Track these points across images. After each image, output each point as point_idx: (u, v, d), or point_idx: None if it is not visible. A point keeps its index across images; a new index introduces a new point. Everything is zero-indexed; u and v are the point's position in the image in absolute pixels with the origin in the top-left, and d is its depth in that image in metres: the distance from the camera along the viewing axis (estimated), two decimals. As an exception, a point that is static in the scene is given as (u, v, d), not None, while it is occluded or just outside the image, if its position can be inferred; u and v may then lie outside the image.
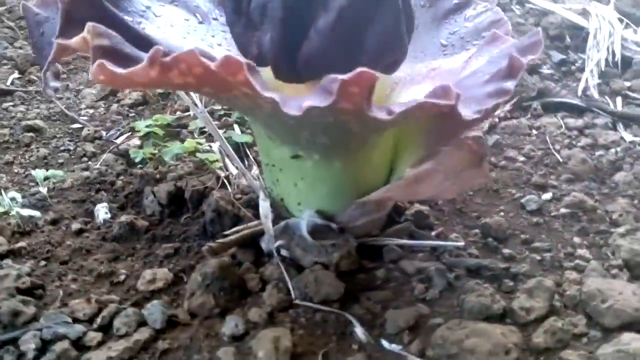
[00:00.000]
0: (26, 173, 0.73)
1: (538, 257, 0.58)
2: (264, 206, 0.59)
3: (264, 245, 0.58)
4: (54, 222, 0.63)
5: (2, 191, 0.63)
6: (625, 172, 0.73)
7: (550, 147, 0.77)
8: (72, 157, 0.76)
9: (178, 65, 0.39)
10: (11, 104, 0.90)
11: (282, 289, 0.53)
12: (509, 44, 0.52)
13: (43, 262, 0.56)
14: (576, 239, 0.61)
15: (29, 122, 0.83)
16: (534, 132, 0.82)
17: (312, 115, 0.38)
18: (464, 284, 0.54)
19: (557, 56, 1.01)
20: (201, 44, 0.58)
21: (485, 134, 0.80)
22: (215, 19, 0.63)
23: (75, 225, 0.62)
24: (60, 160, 0.76)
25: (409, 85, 0.61)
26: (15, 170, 0.74)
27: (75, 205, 0.65)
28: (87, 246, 0.59)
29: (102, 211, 0.64)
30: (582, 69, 0.97)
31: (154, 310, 0.50)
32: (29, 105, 0.91)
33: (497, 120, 0.83)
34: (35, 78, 0.99)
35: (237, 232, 0.59)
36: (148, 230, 0.62)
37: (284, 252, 0.57)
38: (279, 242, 0.57)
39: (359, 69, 0.36)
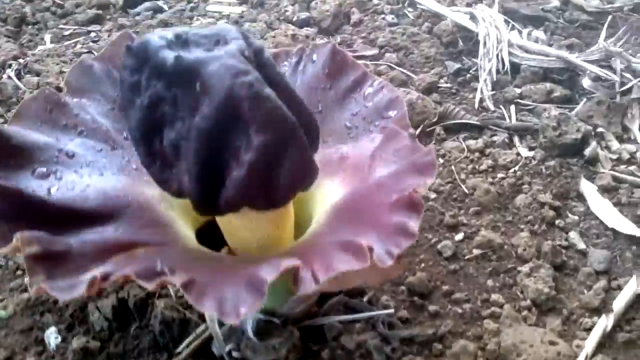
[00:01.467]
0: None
1: (459, 310, 0.66)
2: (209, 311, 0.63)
3: (215, 350, 0.62)
4: (7, 359, 0.64)
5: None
6: (525, 193, 0.81)
7: (457, 177, 0.84)
8: (7, 272, 0.76)
9: (115, 280, 0.42)
10: None
11: (239, 397, 0.58)
12: (406, 149, 0.57)
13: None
14: (489, 282, 0.69)
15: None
16: (440, 160, 0.88)
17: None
18: (400, 356, 0.61)
19: (453, 66, 1.07)
20: (120, 180, 0.59)
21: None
22: (127, 139, 0.64)
23: (31, 359, 0.64)
24: (-6, 277, 0.76)
25: (322, 177, 0.65)
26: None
27: (24, 336, 0.67)
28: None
29: (52, 337, 0.66)
30: (477, 77, 1.04)
31: None
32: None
33: (406, 155, 0.89)
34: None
35: (188, 344, 0.63)
36: (102, 350, 0.65)
37: (235, 354, 0.62)
38: (228, 346, 0.62)
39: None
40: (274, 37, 1.14)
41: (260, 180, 0.51)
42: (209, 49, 0.51)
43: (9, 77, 1.12)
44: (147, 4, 1.33)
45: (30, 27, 1.32)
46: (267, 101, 0.48)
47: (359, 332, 0.64)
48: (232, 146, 0.50)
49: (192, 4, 1.35)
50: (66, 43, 1.23)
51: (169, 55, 0.49)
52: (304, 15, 1.24)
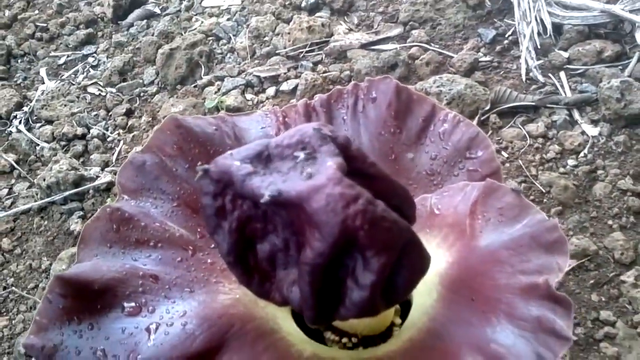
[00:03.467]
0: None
1: (574, 338, 0.64)
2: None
3: None
4: None
5: None
6: (602, 181, 0.77)
7: (528, 174, 0.80)
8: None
9: None
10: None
11: None
12: (512, 208, 0.52)
13: None
14: (594, 297, 0.67)
15: None
16: (504, 154, 0.83)
17: None
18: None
19: (487, 34, 0.99)
20: (212, 292, 0.55)
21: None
22: (201, 237, 0.60)
23: None
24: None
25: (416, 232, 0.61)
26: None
27: None
28: None
29: None
30: (516, 43, 0.97)
31: None
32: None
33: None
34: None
35: None
36: None
37: None
38: None
39: None
40: (289, 33, 1.06)
41: (381, 293, 0.47)
42: (297, 161, 0.46)
43: (19, 130, 1.05)
44: (137, 12, 1.23)
45: (19, 60, 1.22)
46: (382, 222, 0.43)
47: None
48: (347, 265, 0.46)
49: (185, 2, 1.24)
50: (65, 75, 1.14)
51: (263, 189, 0.44)
52: (310, -3, 1.15)
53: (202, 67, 1.06)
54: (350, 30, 1.08)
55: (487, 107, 0.88)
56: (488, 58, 0.97)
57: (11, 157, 1.01)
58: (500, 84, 0.92)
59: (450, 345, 0.49)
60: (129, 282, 0.54)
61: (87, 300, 0.51)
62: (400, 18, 1.07)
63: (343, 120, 0.66)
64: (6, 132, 1.06)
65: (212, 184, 0.47)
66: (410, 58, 0.98)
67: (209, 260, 0.58)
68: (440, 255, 0.57)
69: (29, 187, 0.96)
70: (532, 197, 0.78)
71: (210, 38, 1.13)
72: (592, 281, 0.68)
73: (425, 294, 0.56)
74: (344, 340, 0.60)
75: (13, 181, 0.98)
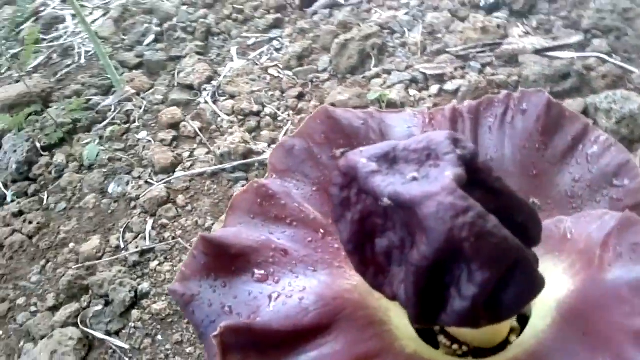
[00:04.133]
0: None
1: None
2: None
3: None
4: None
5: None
6: None
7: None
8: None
9: None
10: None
11: None
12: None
13: None
14: None
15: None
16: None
17: None
18: None
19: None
20: (333, 275, 0.60)
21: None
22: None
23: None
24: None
25: (543, 253, 0.59)
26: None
27: None
28: None
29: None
30: None
31: None
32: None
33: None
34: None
35: None
36: None
37: None
38: None
39: None
40: (461, 32, 1.05)
41: (484, 307, 0.48)
42: (420, 167, 0.48)
43: (206, 102, 1.18)
44: (323, 1, 1.30)
45: (215, 38, 1.36)
46: (490, 237, 0.44)
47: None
48: (453, 272, 0.47)
49: (368, -6, 1.30)
50: (252, 56, 1.25)
51: (382, 188, 0.47)
52: (491, -3, 1.13)
53: (373, 59, 1.10)
54: (527, 33, 1.04)
55: (663, 131, 0.81)
56: (677, 78, 0.88)
57: (196, 125, 1.14)
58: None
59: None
60: (262, 251, 0.60)
61: (224, 261, 0.58)
62: (582, 25, 1.01)
63: (489, 129, 0.66)
64: (196, 101, 1.20)
65: (340, 177, 0.51)
66: (585, 69, 0.93)
67: (335, 246, 0.62)
68: (565, 282, 0.55)
69: (207, 153, 1.08)
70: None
71: (386, 31, 1.17)
72: None
73: (540, 317, 0.55)
74: (455, 347, 0.61)
75: (195, 146, 1.11)
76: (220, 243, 0.58)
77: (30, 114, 1.31)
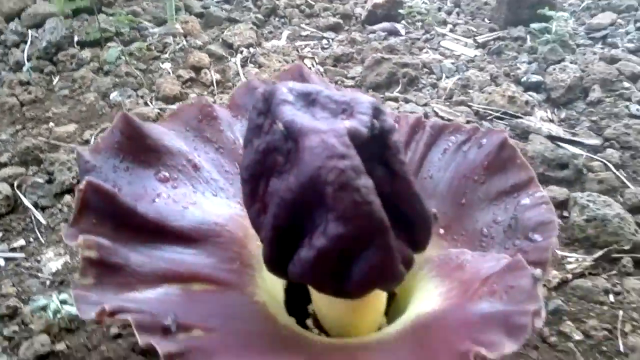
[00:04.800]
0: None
1: None
2: None
3: None
4: (99, 320, 0.70)
5: (55, 293, 0.72)
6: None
7: (618, 327, 0.69)
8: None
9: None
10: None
11: None
12: (521, 292, 0.47)
13: (72, 370, 0.64)
14: None
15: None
16: (610, 299, 0.73)
17: None
18: None
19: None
20: (228, 207, 0.59)
21: (549, 291, 0.74)
22: (259, 167, 0.64)
23: (114, 330, 0.68)
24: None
25: (433, 276, 0.57)
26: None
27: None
28: (116, 356, 0.66)
29: (140, 319, 0.69)
30: None
31: None
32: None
33: (569, 276, 0.75)
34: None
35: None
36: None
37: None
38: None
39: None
40: (490, 93, 1.05)
41: (328, 268, 0.46)
42: (332, 116, 0.48)
43: (235, 62, 1.21)
44: (385, 24, 1.33)
45: (277, 19, 1.41)
46: (355, 193, 0.43)
47: None
48: (314, 221, 0.46)
49: (428, 35, 1.31)
50: (298, 43, 1.28)
51: (284, 115, 0.47)
52: (535, 78, 1.12)
53: (400, 85, 1.11)
54: (550, 120, 1.03)
55: (627, 247, 0.77)
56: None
57: (216, 76, 1.17)
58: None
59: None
60: (176, 157, 0.60)
61: (136, 148, 0.58)
62: (605, 132, 0.99)
63: (444, 150, 0.65)
64: (228, 59, 1.23)
65: (261, 101, 0.51)
66: (585, 168, 0.90)
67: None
68: (434, 302, 0.54)
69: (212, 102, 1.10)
70: (604, 349, 0.67)
71: (425, 69, 1.17)
72: None
73: (396, 325, 0.53)
74: (315, 331, 0.59)
75: (205, 92, 1.14)
76: (139, 129, 0.59)
77: (82, 9, 1.37)
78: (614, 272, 0.77)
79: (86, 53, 1.23)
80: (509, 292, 0.49)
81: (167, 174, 0.59)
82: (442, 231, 0.62)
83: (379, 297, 0.56)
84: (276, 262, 0.49)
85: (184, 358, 0.38)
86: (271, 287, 0.58)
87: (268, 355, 0.43)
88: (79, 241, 0.46)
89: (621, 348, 0.67)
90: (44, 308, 0.71)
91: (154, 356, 0.65)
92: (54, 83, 1.16)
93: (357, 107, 0.48)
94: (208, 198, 0.60)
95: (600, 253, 0.77)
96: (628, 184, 0.89)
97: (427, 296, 0.55)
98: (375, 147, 0.48)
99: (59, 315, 0.70)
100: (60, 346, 0.67)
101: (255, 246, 0.58)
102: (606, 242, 0.78)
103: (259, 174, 0.51)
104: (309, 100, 0.49)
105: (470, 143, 0.64)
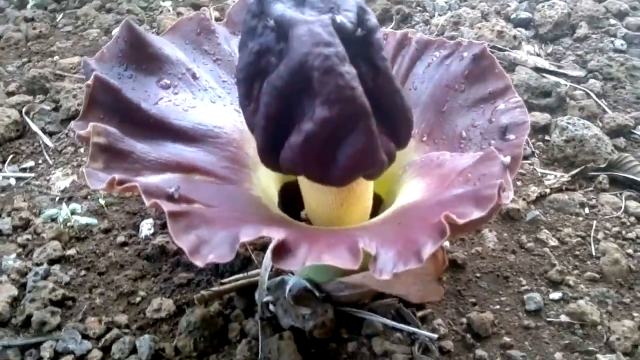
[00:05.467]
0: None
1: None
2: (267, 258, 0.66)
3: (256, 296, 0.65)
4: (106, 230, 0.75)
5: (64, 203, 0.77)
6: (664, 281, 0.68)
7: (591, 234, 0.74)
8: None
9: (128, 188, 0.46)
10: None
11: (253, 346, 0.60)
12: (492, 177, 0.51)
13: (83, 272, 0.69)
14: (557, 355, 0.61)
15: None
16: (585, 211, 0.78)
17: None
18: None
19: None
20: (226, 112, 0.64)
21: (528, 204, 0.78)
22: (254, 79, 0.68)
23: (121, 238, 0.74)
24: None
25: (415, 176, 0.62)
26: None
27: (127, 217, 0.77)
28: (123, 261, 0.71)
29: (145, 227, 0.75)
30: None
31: (144, 344, 0.60)
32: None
33: (548, 191, 0.80)
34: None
35: (235, 280, 0.67)
36: (175, 254, 0.72)
37: (271, 307, 0.64)
38: (268, 298, 0.64)
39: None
40: (479, 28, 1.08)
41: (315, 153, 0.50)
42: (320, 13, 0.52)
43: (233, 1, 1.24)
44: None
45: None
46: (339, 78, 0.47)
47: (393, 341, 0.62)
48: (303, 109, 0.51)
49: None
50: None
51: (275, 11, 0.50)
52: (524, 15, 1.15)
53: (393, 22, 1.14)
54: (537, 54, 1.06)
55: (602, 165, 0.82)
56: (644, 133, 0.89)
57: (215, 14, 1.20)
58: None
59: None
60: (176, 66, 0.64)
61: (140, 56, 0.62)
62: (589, 65, 1.03)
63: (428, 64, 0.69)
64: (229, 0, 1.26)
65: (256, 5, 0.55)
66: (568, 96, 0.94)
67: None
68: (414, 195, 0.58)
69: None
70: (577, 253, 0.72)
71: (419, 7, 1.20)
72: (567, 342, 0.62)
73: (379, 216, 0.58)
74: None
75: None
76: (142, 37, 0.63)
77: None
78: (590, 188, 0.82)
79: (88, -8, 1.26)
80: (481, 179, 0.53)
81: (168, 81, 0.63)
82: (424, 137, 0.66)
83: (366, 192, 0.60)
84: (269, 151, 0.54)
85: (187, 217, 0.43)
86: (266, 187, 0.62)
87: (262, 225, 0.47)
88: (89, 128, 0.50)
89: (593, 252, 0.72)
90: (54, 218, 0.76)
91: (158, 260, 0.71)
92: (58, 20, 1.19)
93: (343, 5, 0.52)
94: (207, 104, 0.64)
95: (577, 170, 0.82)
96: (608, 110, 0.93)
97: (409, 192, 0.60)
98: (359, 44, 0.51)
99: (69, 224, 0.75)
100: (70, 252, 0.72)
101: (252, 149, 0.63)
102: (584, 160, 0.83)
103: (253, 76, 0.55)
104: (299, 0, 0.53)
105: (453, 57, 0.68)
